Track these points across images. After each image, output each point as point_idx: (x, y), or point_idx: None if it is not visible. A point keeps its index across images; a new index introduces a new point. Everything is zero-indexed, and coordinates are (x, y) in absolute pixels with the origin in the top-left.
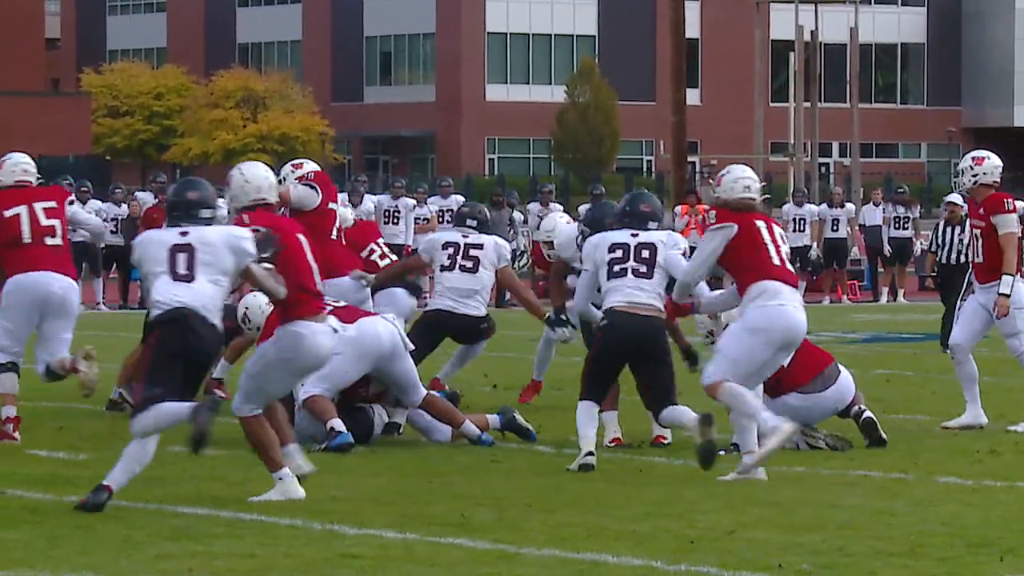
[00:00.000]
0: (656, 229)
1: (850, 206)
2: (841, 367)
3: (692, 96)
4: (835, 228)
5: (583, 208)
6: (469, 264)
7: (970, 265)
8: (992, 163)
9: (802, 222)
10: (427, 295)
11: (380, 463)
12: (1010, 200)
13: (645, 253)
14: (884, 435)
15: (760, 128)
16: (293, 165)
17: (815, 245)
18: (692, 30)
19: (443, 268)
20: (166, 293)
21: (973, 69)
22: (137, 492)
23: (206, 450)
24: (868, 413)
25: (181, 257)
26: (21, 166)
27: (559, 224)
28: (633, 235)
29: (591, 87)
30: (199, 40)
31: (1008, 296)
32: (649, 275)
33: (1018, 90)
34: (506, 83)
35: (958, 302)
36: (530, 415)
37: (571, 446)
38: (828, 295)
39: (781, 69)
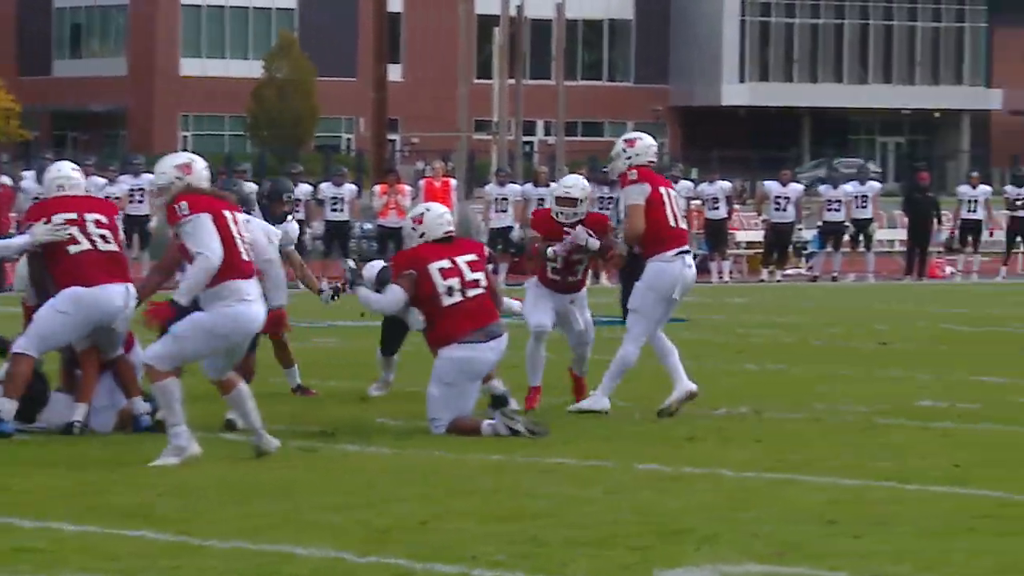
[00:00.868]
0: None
1: (555, 186)
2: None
3: (394, 72)
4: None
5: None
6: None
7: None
8: (644, 143)
9: (504, 202)
10: None
11: (59, 453)
12: (634, 171)
13: None
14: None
15: (464, 105)
16: None
17: (518, 226)
18: (395, 4)
19: None
20: None
21: (681, 48)
22: None
23: None
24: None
25: None
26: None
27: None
28: None
29: (290, 62)
30: None
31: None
32: None
33: (726, 69)
34: (201, 57)
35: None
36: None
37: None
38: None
39: (485, 45)
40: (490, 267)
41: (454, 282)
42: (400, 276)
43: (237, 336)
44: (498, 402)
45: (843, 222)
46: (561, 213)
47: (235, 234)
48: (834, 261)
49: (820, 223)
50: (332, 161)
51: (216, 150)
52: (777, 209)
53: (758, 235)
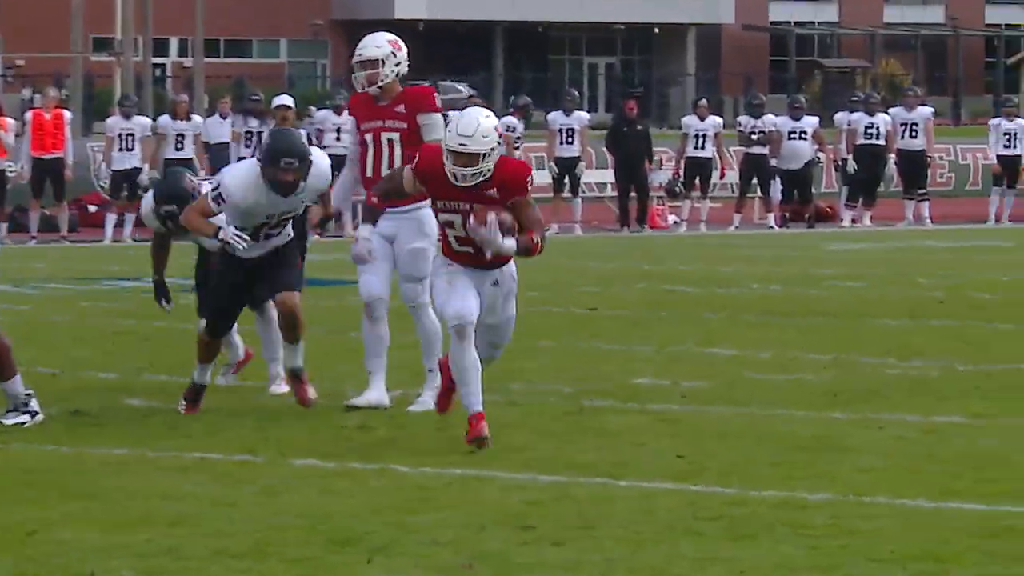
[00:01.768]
0: None
1: (196, 119)
2: None
3: None
4: (179, 146)
5: None
6: None
7: None
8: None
9: (131, 138)
10: None
11: None
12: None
13: None
14: None
15: (78, 18)
16: None
17: (147, 167)
18: None
19: None
20: None
21: None
22: None
23: None
24: None
25: None
26: None
27: None
28: None
29: None
30: None
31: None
32: None
33: None
34: None
35: None
36: None
37: None
38: None
39: None
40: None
41: None
42: None
43: None
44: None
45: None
46: (455, 175)
47: None
48: None
49: None
50: None
51: None
52: None
53: None
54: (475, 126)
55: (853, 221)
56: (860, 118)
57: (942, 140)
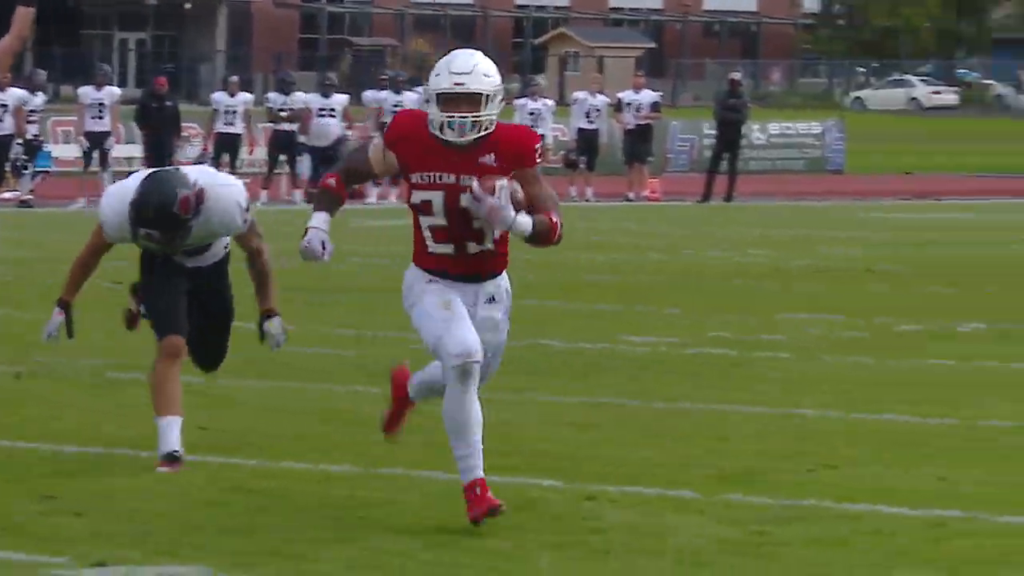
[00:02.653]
0: None
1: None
2: None
3: None
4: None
5: None
6: None
7: None
8: None
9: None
10: None
11: None
12: None
13: None
14: None
15: None
16: None
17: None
18: None
19: None
20: None
21: None
22: None
23: None
24: None
25: None
26: None
27: None
28: None
29: None
30: None
31: None
32: None
33: None
34: None
35: None
36: None
37: None
38: None
39: None
40: None
41: None
42: None
43: None
44: None
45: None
46: (450, 126)
47: None
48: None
49: (36, 136)
50: None
51: None
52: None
53: None
54: (473, 63)
55: (380, 198)
56: (388, 96)
57: None
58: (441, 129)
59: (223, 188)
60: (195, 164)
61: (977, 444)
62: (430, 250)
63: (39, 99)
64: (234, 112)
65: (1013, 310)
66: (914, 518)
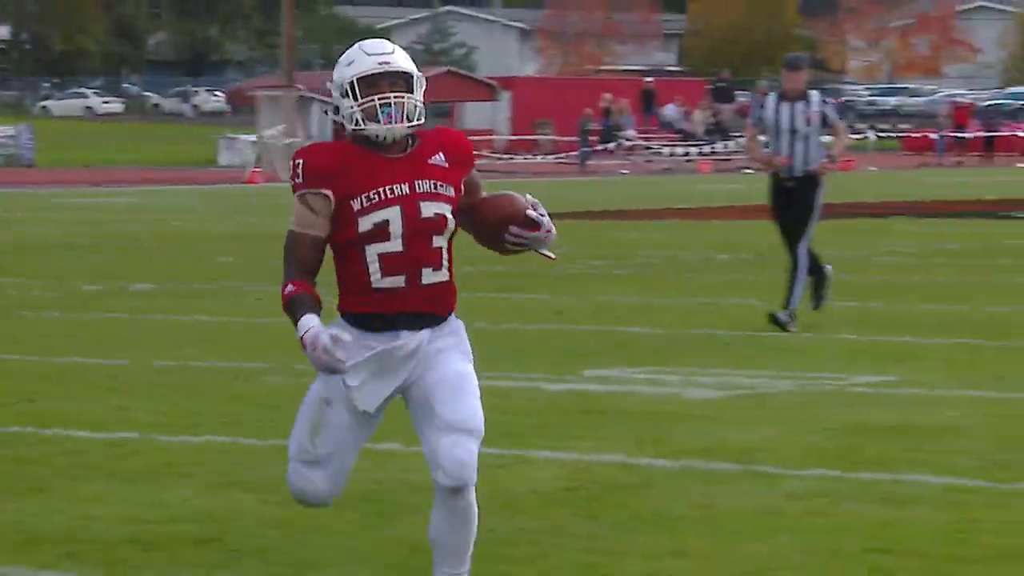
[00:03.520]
0: None
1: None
2: None
3: None
4: None
5: None
6: None
7: None
8: None
9: None
10: None
11: None
12: None
13: None
14: None
15: None
16: None
17: None
18: None
19: None
20: None
21: None
22: None
23: None
24: None
25: None
26: None
27: None
28: None
29: None
30: None
31: None
32: None
33: None
34: None
35: None
36: None
37: None
38: None
39: None
40: None
41: None
42: None
43: None
44: None
45: None
46: (387, 112)
47: None
48: None
49: None
50: None
51: None
52: None
53: None
54: (390, 46)
55: None
56: None
57: None
58: (372, 118)
59: None
60: None
61: (153, 379)
62: (375, 286)
63: None
64: None
65: (176, 274)
66: (98, 440)
